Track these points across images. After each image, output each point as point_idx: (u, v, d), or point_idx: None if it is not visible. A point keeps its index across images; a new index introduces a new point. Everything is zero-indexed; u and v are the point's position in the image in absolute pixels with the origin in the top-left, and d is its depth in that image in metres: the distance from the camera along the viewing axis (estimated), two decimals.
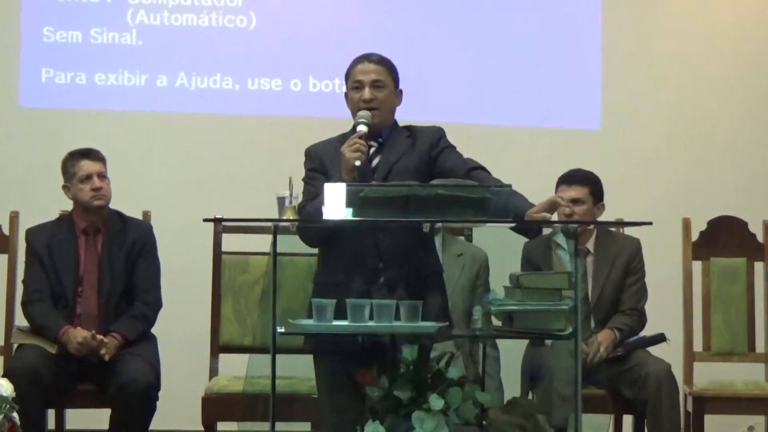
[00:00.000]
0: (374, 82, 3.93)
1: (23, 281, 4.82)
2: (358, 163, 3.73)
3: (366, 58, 3.99)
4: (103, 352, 4.57)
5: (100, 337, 4.58)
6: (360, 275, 3.78)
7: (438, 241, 4.62)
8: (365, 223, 3.59)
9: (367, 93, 3.91)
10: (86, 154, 4.79)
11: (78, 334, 4.57)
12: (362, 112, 3.88)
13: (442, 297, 3.96)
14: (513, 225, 3.68)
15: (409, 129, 4.01)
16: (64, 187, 4.83)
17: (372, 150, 3.91)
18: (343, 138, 3.95)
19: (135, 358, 4.58)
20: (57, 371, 4.53)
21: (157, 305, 4.84)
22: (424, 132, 4.00)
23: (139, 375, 4.50)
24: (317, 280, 3.98)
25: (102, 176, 4.77)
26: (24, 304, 4.77)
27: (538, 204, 3.63)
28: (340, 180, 3.70)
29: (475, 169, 3.86)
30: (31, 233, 4.83)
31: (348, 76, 3.99)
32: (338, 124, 4.09)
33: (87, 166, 4.76)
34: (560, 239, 4.58)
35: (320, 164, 3.94)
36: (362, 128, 3.83)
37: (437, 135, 3.99)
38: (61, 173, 4.83)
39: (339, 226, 3.68)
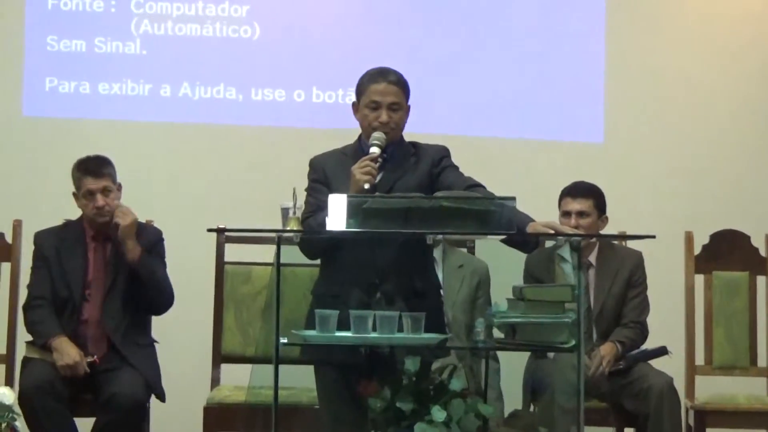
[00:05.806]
0: (392, 104, 3.87)
1: (28, 285, 4.78)
2: (367, 186, 3.70)
3: (384, 77, 3.90)
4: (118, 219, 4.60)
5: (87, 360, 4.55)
6: (358, 287, 3.78)
7: (438, 252, 4.62)
8: (367, 234, 3.59)
9: (384, 116, 3.85)
10: (89, 171, 4.69)
11: (71, 354, 4.51)
12: (377, 134, 3.82)
13: (439, 311, 3.95)
14: (511, 238, 3.68)
15: (414, 146, 3.98)
16: (74, 194, 4.78)
17: (376, 165, 3.85)
18: (346, 150, 3.95)
19: (131, 371, 4.54)
20: (68, 381, 4.50)
21: (172, 292, 4.78)
22: (428, 150, 3.97)
23: (129, 389, 4.45)
24: (315, 292, 3.97)
25: (107, 191, 4.68)
26: (25, 308, 4.75)
27: (538, 222, 3.63)
28: None
29: (473, 186, 3.85)
30: (39, 236, 4.79)
31: (362, 91, 3.91)
32: (342, 134, 4.09)
33: (89, 183, 4.67)
34: (564, 252, 4.57)
35: (323, 175, 3.92)
36: (375, 150, 3.78)
37: (440, 154, 3.96)
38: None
39: (340, 238, 3.67)
